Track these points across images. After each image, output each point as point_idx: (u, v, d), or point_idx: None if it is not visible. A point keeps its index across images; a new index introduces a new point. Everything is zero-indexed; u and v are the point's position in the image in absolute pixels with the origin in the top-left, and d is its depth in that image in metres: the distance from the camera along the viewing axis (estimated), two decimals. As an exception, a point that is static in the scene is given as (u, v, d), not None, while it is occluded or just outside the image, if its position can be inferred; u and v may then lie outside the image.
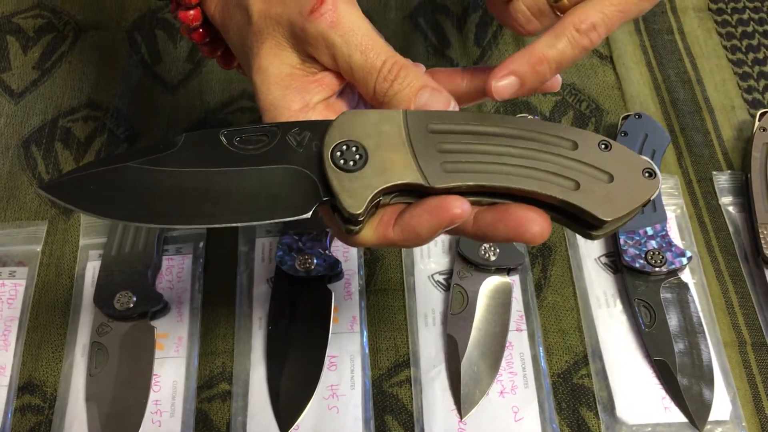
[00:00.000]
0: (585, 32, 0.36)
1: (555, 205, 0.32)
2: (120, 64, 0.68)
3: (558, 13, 0.38)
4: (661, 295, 0.54)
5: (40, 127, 0.65)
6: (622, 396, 0.51)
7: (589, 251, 0.58)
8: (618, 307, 0.55)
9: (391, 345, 0.54)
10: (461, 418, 0.51)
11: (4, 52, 0.69)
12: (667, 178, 0.61)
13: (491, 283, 0.55)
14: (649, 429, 0.50)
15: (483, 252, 0.55)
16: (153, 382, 0.52)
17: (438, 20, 0.71)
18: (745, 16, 0.71)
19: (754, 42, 0.69)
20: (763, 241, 0.55)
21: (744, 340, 0.54)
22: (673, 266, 0.54)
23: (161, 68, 0.68)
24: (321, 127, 0.33)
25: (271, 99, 0.35)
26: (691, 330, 0.53)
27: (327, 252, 0.55)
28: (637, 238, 0.55)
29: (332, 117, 0.36)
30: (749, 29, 0.70)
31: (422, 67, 0.37)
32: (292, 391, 0.51)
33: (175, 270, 0.57)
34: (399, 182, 0.31)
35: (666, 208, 0.58)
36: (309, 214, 0.32)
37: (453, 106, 0.35)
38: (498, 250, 0.55)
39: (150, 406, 0.51)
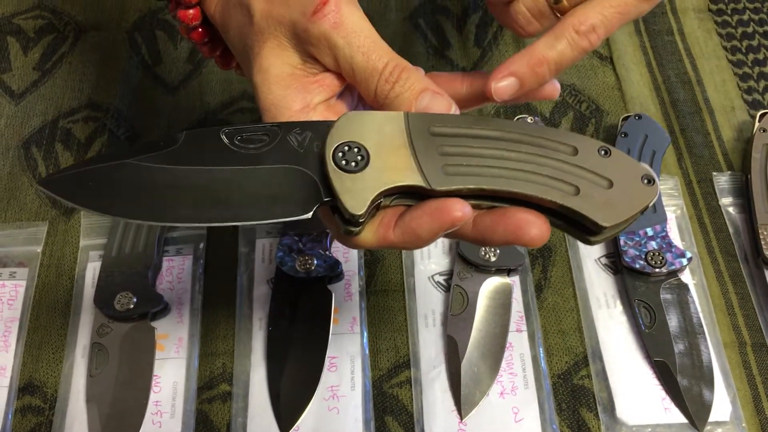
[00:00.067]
0: (584, 34, 0.36)
1: (554, 209, 0.32)
2: (120, 65, 0.69)
3: (558, 15, 0.38)
4: (661, 295, 0.54)
5: (41, 128, 0.65)
6: (623, 397, 0.51)
7: (589, 252, 0.58)
8: (618, 307, 0.55)
9: (392, 346, 0.54)
10: (461, 419, 0.51)
11: (4, 53, 0.70)
12: (667, 178, 0.61)
13: (491, 283, 0.55)
14: (649, 430, 0.50)
15: (483, 253, 0.55)
16: (153, 382, 0.52)
17: (438, 21, 0.71)
18: (746, 17, 0.71)
19: (755, 43, 0.70)
20: (763, 242, 0.55)
21: (744, 341, 0.54)
22: (673, 267, 0.54)
23: (162, 69, 0.68)
24: (322, 128, 0.33)
25: (271, 99, 0.35)
26: (691, 331, 0.53)
27: (327, 253, 0.55)
28: (637, 239, 0.55)
29: (333, 118, 0.36)
30: (749, 30, 0.70)
31: (421, 71, 0.38)
32: (292, 391, 0.51)
33: (176, 271, 0.57)
34: (400, 184, 0.31)
35: (666, 209, 0.58)
36: (310, 215, 0.32)
37: (454, 110, 0.35)
38: (498, 251, 0.55)
39: (150, 407, 0.51)
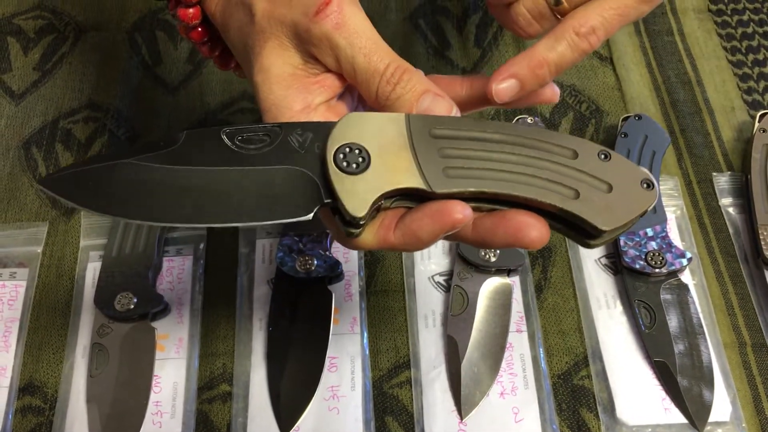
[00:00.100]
0: (584, 36, 0.36)
1: (554, 213, 0.32)
2: (120, 65, 0.69)
3: (558, 17, 0.38)
4: (661, 296, 0.54)
5: (41, 129, 0.65)
6: (623, 397, 0.52)
7: (590, 252, 0.58)
8: (618, 308, 0.55)
9: (392, 346, 0.54)
10: (461, 419, 0.51)
11: (4, 54, 0.70)
12: (667, 179, 0.61)
13: (491, 284, 0.55)
14: (649, 430, 0.50)
15: (483, 253, 0.55)
16: (153, 383, 0.52)
17: (438, 21, 0.71)
18: (745, 18, 0.71)
19: (754, 43, 0.70)
20: (763, 243, 0.55)
21: (744, 342, 0.54)
22: (673, 267, 0.54)
23: (162, 69, 0.68)
24: (324, 129, 0.33)
25: (272, 99, 0.35)
26: (691, 331, 0.53)
27: (327, 253, 0.55)
28: (637, 239, 0.55)
29: (334, 119, 0.36)
30: (749, 30, 0.70)
31: (421, 73, 0.38)
32: (292, 392, 0.51)
33: (176, 271, 0.57)
34: (401, 186, 0.31)
35: (666, 209, 0.58)
36: (310, 216, 0.32)
37: (455, 112, 0.35)
38: (498, 252, 0.55)
39: (150, 407, 0.51)
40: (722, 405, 0.51)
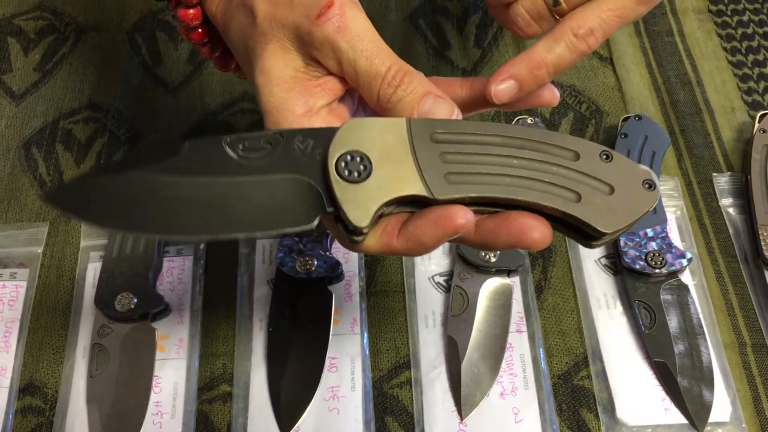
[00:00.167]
0: (583, 37, 0.36)
1: (555, 215, 0.32)
2: (121, 66, 0.69)
3: (556, 17, 0.38)
4: (661, 296, 0.54)
5: (41, 129, 0.65)
6: (623, 397, 0.52)
7: (590, 253, 0.58)
8: (618, 308, 0.55)
9: (392, 346, 0.54)
10: (462, 420, 0.51)
11: (5, 54, 0.70)
12: (667, 179, 0.61)
13: (491, 284, 0.55)
14: (650, 430, 0.50)
15: (483, 254, 0.55)
16: (154, 383, 0.52)
17: (438, 22, 0.71)
18: (745, 18, 0.71)
19: (754, 44, 0.70)
20: (763, 243, 0.56)
21: (744, 342, 0.54)
22: (673, 268, 0.54)
23: (162, 70, 0.68)
24: (325, 136, 0.33)
25: (273, 102, 0.35)
26: (691, 331, 0.53)
27: (327, 254, 0.55)
28: (638, 239, 0.55)
29: (336, 122, 0.36)
30: (749, 31, 0.71)
31: (423, 75, 0.38)
32: (292, 392, 0.52)
33: (176, 272, 0.57)
34: (403, 194, 0.31)
35: (666, 209, 0.58)
36: (314, 225, 0.32)
37: (456, 114, 0.35)
38: (498, 252, 0.55)
39: (151, 408, 0.51)
40: (722, 405, 0.51)
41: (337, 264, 0.55)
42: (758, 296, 0.56)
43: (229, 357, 0.54)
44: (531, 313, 0.55)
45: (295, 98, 0.35)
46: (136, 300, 0.53)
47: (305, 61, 0.35)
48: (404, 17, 0.72)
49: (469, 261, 0.55)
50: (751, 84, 0.67)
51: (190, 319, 0.55)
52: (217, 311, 0.56)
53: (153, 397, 0.52)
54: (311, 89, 0.36)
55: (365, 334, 0.54)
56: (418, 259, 0.58)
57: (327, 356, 0.53)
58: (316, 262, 0.55)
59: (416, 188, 0.31)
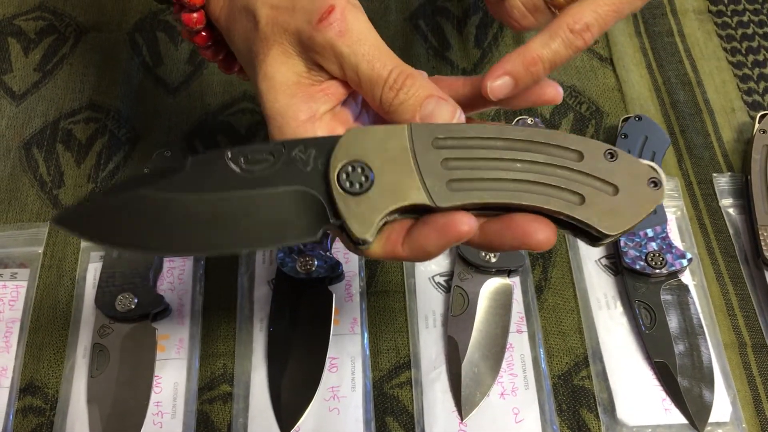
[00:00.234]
0: (579, 32, 0.36)
1: (560, 217, 0.32)
2: (121, 66, 0.69)
3: (553, 9, 0.38)
4: (662, 296, 0.54)
5: (42, 129, 0.65)
6: (623, 397, 0.52)
7: (590, 253, 0.58)
8: (618, 308, 0.55)
9: (392, 346, 0.54)
10: (462, 420, 0.51)
11: (5, 54, 0.70)
12: (667, 180, 0.61)
13: (492, 284, 0.55)
14: (650, 430, 0.51)
15: (483, 254, 0.55)
16: (154, 383, 0.52)
17: (438, 22, 0.71)
18: (745, 19, 0.71)
19: (754, 44, 0.70)
20: (763, 243, 0.56)
21: (744, 342, 0.54)
22: (674, 268, 0.54)
23: (162, 70, 0.68)
24: (326, 145, 0.32)
25: (277, 107, 0.35)
26: (691, 332, 0.53)
27: (328, 254, 0.55)
28: (638, 239, 0.55)
29: (339, 127, 0.36)
30: (749, 31, 0.71)
31: (424, 74, 0.37)
32: (293, 392, 0.52)
33: (176, 272, 0.57)
34: (405, 204, 0.31)
35: (666, 210, 0.58)
36: (318, 237, 0.32)
37: (459, 115, 0.34)
38: (498, 252, 0.55)
39: (151, 408, 0.51)
40: (722, 405, 0.51)
41: (338, 264, 0.55)
42: (758, 296, 0.56)
43: (229, 357, 0.54)
44: (531, 314, 0.55)
45: (298, 104, 0.35)
46: (136, 300, 0.53)
47: (308, 65, 0.35)
48: (404, 18, 0.72)
49: (469, 261, 0.55)
50: (751, 84, 0.67)
51: (191, 319, 0.55)
52: (217, 311, 0.56)
53: (153, 397, 0.52)
54: (314, 94, 0.35)
55: (365, 335, 0.54)
56: (418, 260, 0.58)
57: (327, 356, 0.53)
58: (316, 263, 0.55)
59: (418, 197, 0.31)
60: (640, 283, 0.54)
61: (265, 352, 0.53)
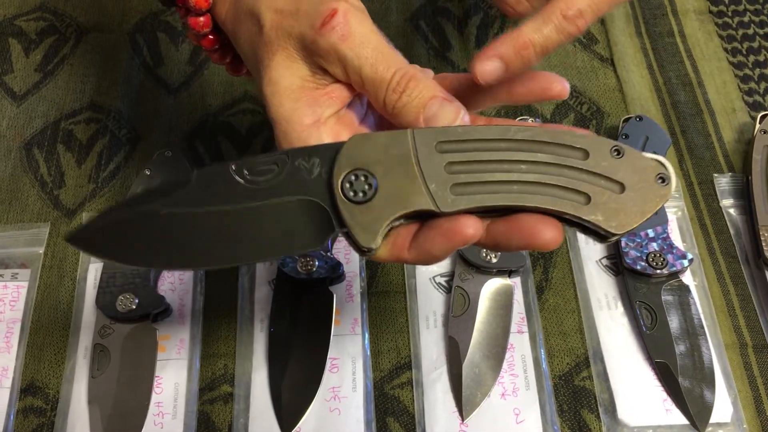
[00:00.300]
0: (572, 18, 0.36)
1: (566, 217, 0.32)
2: (122, 67, 0.69)
3: None
4: (662, 297, 0.54)
5: (42, 130, 0.65)
6: (624, 398, 0.52)
7: (590, 253, 0.58)
8: (619, 309, 0.55)
9: (393, 347, 0.54)
10: (463, 420, 0.51)
11: (6, 55, 0.70)
12: (671, 177, 0.61)
13: (492, 285, 0.55)
14: (651, 431, 0.50)
15: (484, 254, 0.55)
16: (155, 384, 0.52)
17: (439, 23, 0.71)
18: (746, 19, 0.71)
19: (755, 44, 0.70)
20: (764, 243, 0.56)
21: (745, 342, 0.54)
22: (674, 268, 0.54)
23: (163, 71, 0.68)
24: (329, 153, 0.32)
25: (282, 112, 0.35)
26: (692, 332, 0.53)
27: (329, 254, 0.55)
28: (638, 240, 0.55)
29: (344, 130, 0.36)
30: (750, 32, 0.71)
31: (430, 72, 0.37)
32: (293, 393, 0.52)
33: (177, 272, 0.57)
34: (410, 210, 0.31)
35: (667, 210, 0.58)
36: (325, 245, 0.32)
37: (463, 115, 0.34)
38: (499, 253, 0.55)
39: (152, 408, 0.51)
40: (723, 406, 0.51)
41: (338, 265, 0.55)
42: (759, 297, 0.56)
43: (230, 357, 0.54)
44: (532, 314, 0.55)
45: (303, 108, 0.35)
46: (137, 300, 0.53)
47: (312, 69, 0.35)
48: (405, 18, 0.72)
49: (470, 262, 0.55)
50: (752, 85, 0.67)
51: (192, 320, 0.55)
52: (218, 312, 0.56)
53: (154, 398, 0.52)
54: (319, 98, 0.35)
55: (366, 335, 0.54)
56: (419, 260, 0.58)
57: (328, 357, 0.53)
58: (317, 263, 0.55)
59: (422, 203, 0.31)
60: (641, 284, 0.54)
61: (266, 352, 0.53)
